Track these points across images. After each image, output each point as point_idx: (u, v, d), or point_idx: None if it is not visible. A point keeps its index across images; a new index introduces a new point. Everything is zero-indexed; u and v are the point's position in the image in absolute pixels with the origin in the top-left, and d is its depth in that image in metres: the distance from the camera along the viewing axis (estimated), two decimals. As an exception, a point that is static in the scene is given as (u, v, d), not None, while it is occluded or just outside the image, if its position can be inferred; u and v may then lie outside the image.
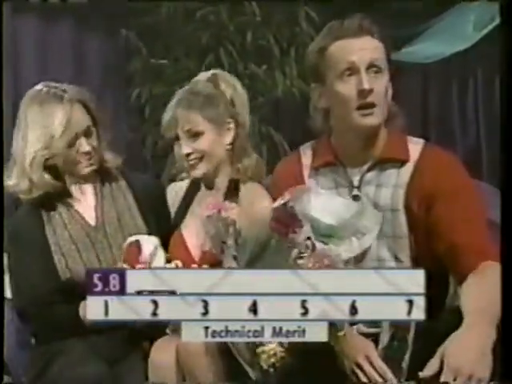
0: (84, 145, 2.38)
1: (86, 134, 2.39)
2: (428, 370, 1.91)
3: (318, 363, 1.98)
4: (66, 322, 2.31)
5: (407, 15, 4.00)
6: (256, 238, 1.97)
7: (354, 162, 2.24)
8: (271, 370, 1.87)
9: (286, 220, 1.96)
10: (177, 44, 3.95)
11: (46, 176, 2.37)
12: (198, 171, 2.38)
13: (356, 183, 2.23)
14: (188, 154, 2.37)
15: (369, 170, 2.23)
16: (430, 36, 4.03)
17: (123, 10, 3.92)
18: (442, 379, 1.86)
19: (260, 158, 2.46)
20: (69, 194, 2.43)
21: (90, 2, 3.94)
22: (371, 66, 2.16)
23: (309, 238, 1.96)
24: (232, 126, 2.39)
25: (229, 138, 2.39)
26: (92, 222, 2.42)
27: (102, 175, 2.47)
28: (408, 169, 2.22)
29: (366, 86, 2.14)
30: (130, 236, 2.31)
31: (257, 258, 1.92)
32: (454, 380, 1.86)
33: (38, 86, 2.41)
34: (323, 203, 2.04)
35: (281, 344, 1.84)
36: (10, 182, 2.38)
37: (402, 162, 2.22)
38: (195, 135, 2.36)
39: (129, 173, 2.54)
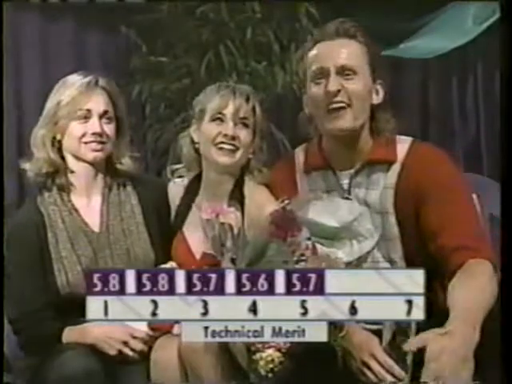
0: (96, 124, 2.33)
1: (101, 117, 2.35)
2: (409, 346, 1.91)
3: (319, 366, 1.98)
4: (52, 342, 2.27)
5: (407, 10, 3.99)
6: (256, 241, 1.97)
7: (342, 165, 2.26)
8: (270, 375, 1.87)
9: (285, 224, 1.96)
10: (177, 41, 3.94)
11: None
12: (230, 159, 2.35)
13: (346, 186, 2.25)
14: (233, 138, 2.34)
15: (357, 173, 2.24)
16: (429, 31, 4.02)
17: (123, 7, 3.92)
18: (422, 380, 1.85)
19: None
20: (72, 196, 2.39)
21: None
22: (344, 69, 2.18)
23: (309, 239, 1.97)
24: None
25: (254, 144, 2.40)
26: (96, 229, 2.38)
27: (110, 178, 2.42)
28: (395, 169, 2.22)
29: (332, 88, 2.16)
30: (132, 244, 2.34)
31: (257, 260, 1.92)
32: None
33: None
34: (325, 206, 2.04)
35: (278, 349, 1.84)
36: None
37: (389, 163, 2.23)
38: (243, 125, 2.36)
39: (136, 176, 2.49)
